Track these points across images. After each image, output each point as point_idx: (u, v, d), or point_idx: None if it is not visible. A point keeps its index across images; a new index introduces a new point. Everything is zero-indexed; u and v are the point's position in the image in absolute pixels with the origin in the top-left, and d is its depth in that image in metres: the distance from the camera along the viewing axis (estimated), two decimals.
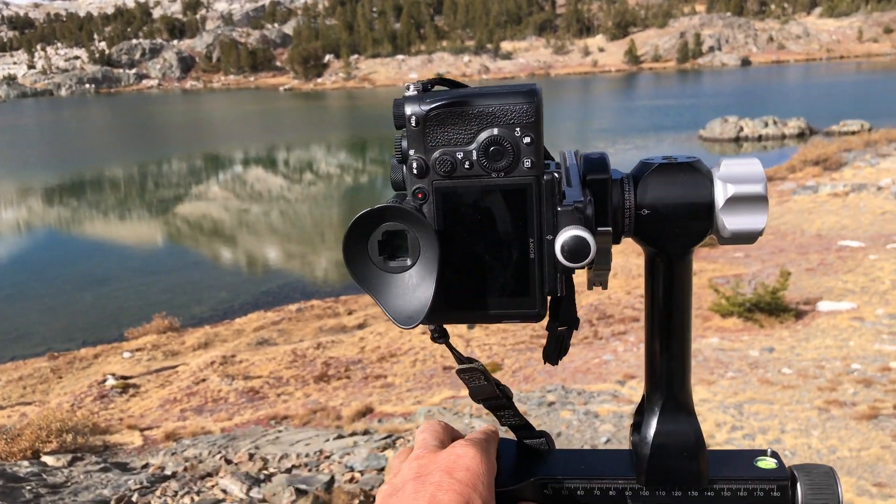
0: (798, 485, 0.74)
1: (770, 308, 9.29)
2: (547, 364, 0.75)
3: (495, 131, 0.67)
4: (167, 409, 8.21)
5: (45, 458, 6.61)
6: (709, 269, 11.07)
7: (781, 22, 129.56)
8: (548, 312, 0.71)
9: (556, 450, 0.81)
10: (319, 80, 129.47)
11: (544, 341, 0.68)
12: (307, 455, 5.94)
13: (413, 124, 0.67)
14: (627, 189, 0.71)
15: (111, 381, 9.46)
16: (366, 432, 6.56)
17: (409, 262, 0.67)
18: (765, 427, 6.19)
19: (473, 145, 0.66)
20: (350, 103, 79.98)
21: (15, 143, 51.00)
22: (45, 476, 5.82)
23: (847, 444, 5.78)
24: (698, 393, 6.86)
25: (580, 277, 0.71)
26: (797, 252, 11.42)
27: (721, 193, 0.68)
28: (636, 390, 7.08)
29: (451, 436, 0.71)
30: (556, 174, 0.67)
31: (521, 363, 8.34)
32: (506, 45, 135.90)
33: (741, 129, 31.48)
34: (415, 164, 0.67)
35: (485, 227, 0.69)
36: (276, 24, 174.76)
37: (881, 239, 11.82)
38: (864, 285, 9.83)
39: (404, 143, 0.68)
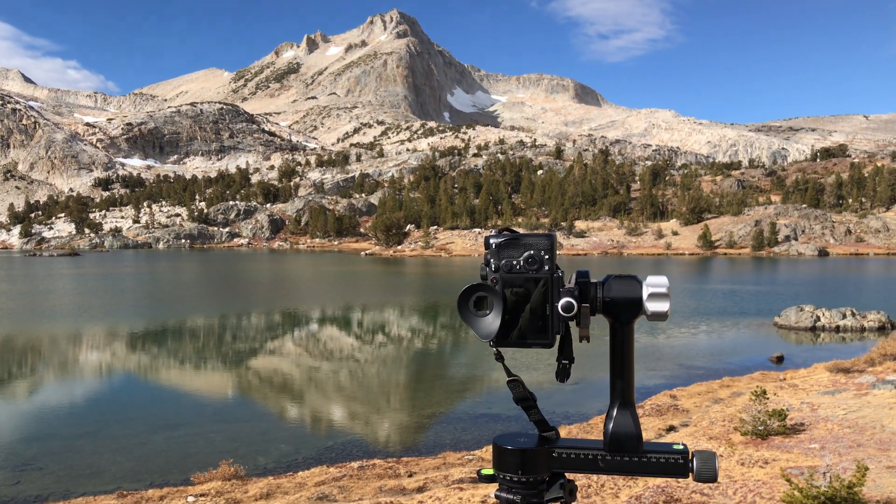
0: (694, 458, 1.34)
1: None
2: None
3: (531, 251, 1.37)
4: None
5: None
6: (782, 458, 10.68)
7: (859, 216, 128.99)
8: (557, 350, 1.37)
9: (562, 438, 1.43)
10: (399, 246, 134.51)
11: None
12: None
13: (493, 247, 1.38)
14: (599, 288, 1.36)
15: None
16: None
17: (488, 312, 1.35)
18: None
19: (521, 258, 1.37)
20: (426, 270, 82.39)
21: (110, 291, 54.32)
22: None
23: None
24: None
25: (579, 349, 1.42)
26: (877, 448, 10.93)
27: (646, 292, 1.33)
28: None
29: None
30: (561, 274, 1.37)
31: None
32: (580, 224, 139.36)
33: (818, 318, 30.84)
34: (493, 266, 1.37)
35: (526, 297, 1.36)
36: (363, 195, 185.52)
37: None
38: None
39: (488, 256, 1.39)
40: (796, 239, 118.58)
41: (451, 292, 52.43)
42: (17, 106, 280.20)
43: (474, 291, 1.34)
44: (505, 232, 1.41)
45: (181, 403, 19.04)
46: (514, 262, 1.36)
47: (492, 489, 10.31)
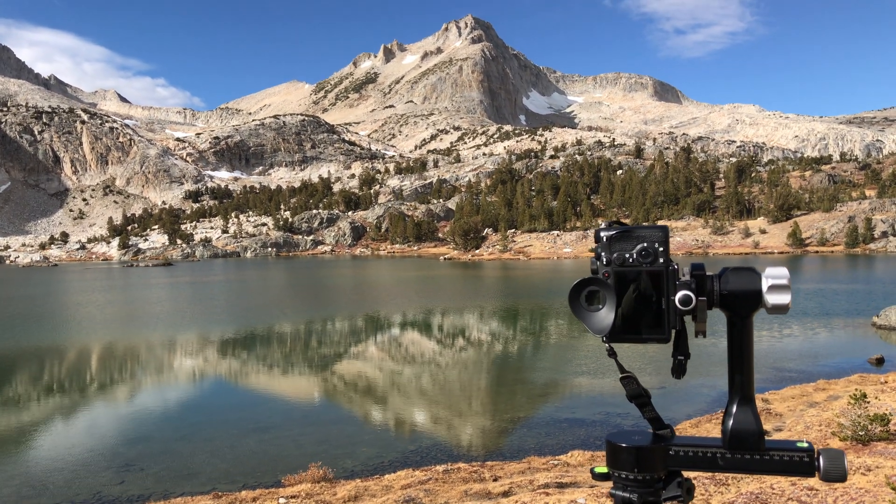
0: (821, 457, 1.27)
1: None
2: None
3: (645, 244, 1.33)
4: None
5: None
6: (886, 465, 10.16)
7: None
8: (672, 346, 1.34)
9: (677, 435, 1.38)
10: (477, 250, 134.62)
11: None
12: None
13: (604, 240, 1.35)
14: (716, 280, 1.31)
15: None
16: None
17: (600, 307, 1.30)
18: None
19: (634, 250, 1.33)
20: (504, 273, 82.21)
21: (201, 299, 56.55)
22: None
23: None
24: None
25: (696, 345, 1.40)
26: None
27: (765, 284, 1.27)
28: None
29: None
30: (676, 266, 1.33)
31: None
32: (662, 224, 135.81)
33: None
34: (604, 259, 1.34)
35: (639, 291, 1.33)
36: (441, 200, 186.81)
37: None
38: None
39: (599, 250, 1.35)
40: (895, 235, 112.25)
41: (530, 295, 52.16)
42: (115, 125, 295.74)
43: (586, 286, 1.31)
44: (615, 225, 1.38)
45: (270, 407, 19.64)
46: (627, 255, 1.33)
47: (579, 494, 10.23)
